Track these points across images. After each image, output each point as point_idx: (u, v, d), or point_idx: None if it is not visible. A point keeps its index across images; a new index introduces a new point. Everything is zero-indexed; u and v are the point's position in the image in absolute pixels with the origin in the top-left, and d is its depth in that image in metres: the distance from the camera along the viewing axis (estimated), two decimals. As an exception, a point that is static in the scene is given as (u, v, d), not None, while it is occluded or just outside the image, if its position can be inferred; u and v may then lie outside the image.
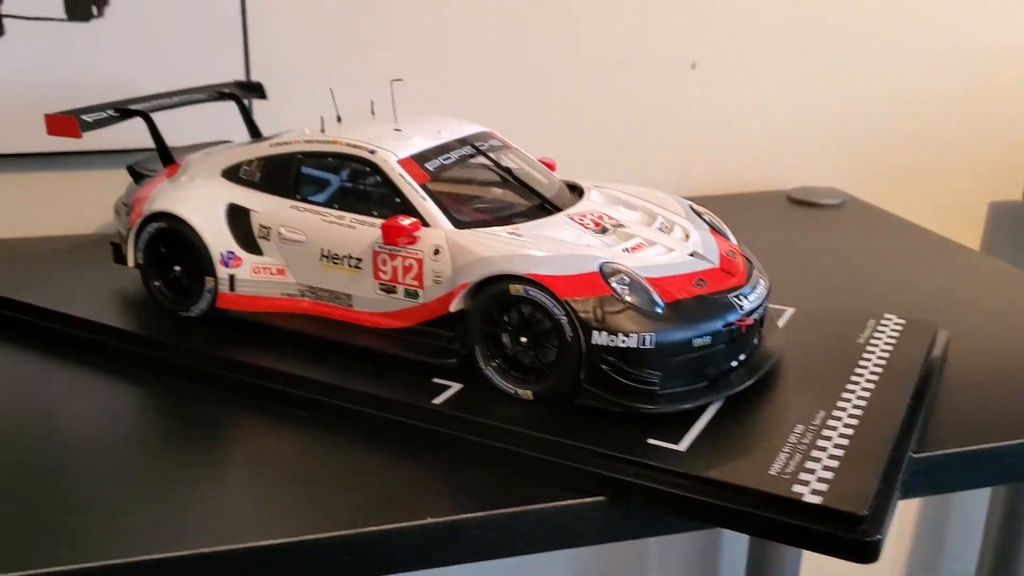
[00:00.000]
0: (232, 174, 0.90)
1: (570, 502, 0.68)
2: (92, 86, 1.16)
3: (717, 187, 1.49)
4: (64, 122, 0.92)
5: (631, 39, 1.41)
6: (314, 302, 0.86)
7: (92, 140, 1.20)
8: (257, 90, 1.14)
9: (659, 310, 0.72)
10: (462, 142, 0.88)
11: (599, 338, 0.71)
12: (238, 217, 0.87)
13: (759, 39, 1.46)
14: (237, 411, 0.80)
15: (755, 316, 0.78)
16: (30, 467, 0.72)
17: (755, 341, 0.82)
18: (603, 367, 0.72)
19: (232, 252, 0.86)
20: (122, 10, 1.20)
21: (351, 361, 0.82)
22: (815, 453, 0.68)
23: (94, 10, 1.20)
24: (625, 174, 1.42)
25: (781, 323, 0.91)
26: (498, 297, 0.75)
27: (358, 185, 0.85)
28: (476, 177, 0.87)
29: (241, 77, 1.25)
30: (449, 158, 0.85)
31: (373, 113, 0.94)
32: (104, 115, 0.96)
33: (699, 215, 0.88)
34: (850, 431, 0.71)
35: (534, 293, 0.73)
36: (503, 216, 0.82)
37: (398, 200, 0.81)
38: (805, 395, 0.77)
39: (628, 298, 0.72)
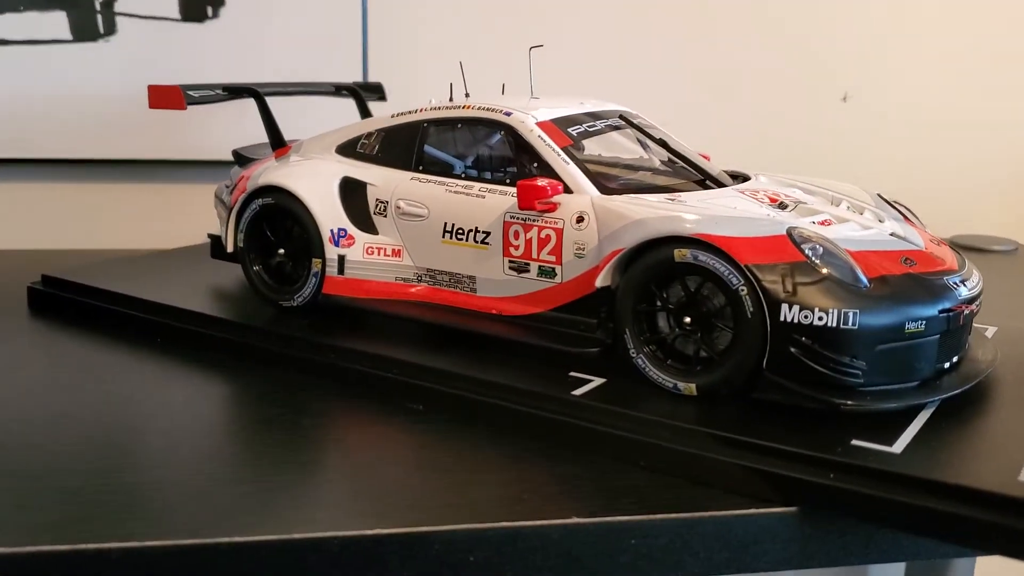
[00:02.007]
0: (348, 149, 0.80)
1: (754, 511, 0.53)
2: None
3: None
4: (169, 93, 0.84)
5: (776, 65, 1.29)
6: (432, 288, 0.75)
7: (204, 149, 1.15)
8: (377, 91, 1.05)
9: (863, 285, 0.59)
10: (612, 114, 0.77)
11: (789, 313, 0.57)
12: (353, 192, 0.77)
13: (919, 70, 1.33)
14: (346, 402, 0.68)
15: (975, 306, 0.63)
16: (126, 448, 0.62)
17: (967, 345, 0.67)
18: (793, 350, 0.58)
19: (344, 230, 0.76)
20: (237, 11, 1.14)
21: (473, 351, 0.69)
22: (1079, 458, 0.53)
23: (209, 11, 1.14)
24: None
25: (989, 336, 0.75)
26: (659, 266, 0.62)
27: (491, 152, 0.74)
28: (627, 148, 0.76)
29: (359, 79, 1.17)
30: (595, 126, 0.74)
31: (503, 93, 0.84)
32: (212, 93, 0.88)
33: (891, 204, 0.74)
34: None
35: (705, 259, 0.60)
36: (658, 186, 0.70)
37: (536, 165, 0.70)
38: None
39: (825, 269, 0.58)
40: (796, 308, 0.57)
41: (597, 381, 0.64)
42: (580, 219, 0.66)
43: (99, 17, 1.12)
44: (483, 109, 0.74)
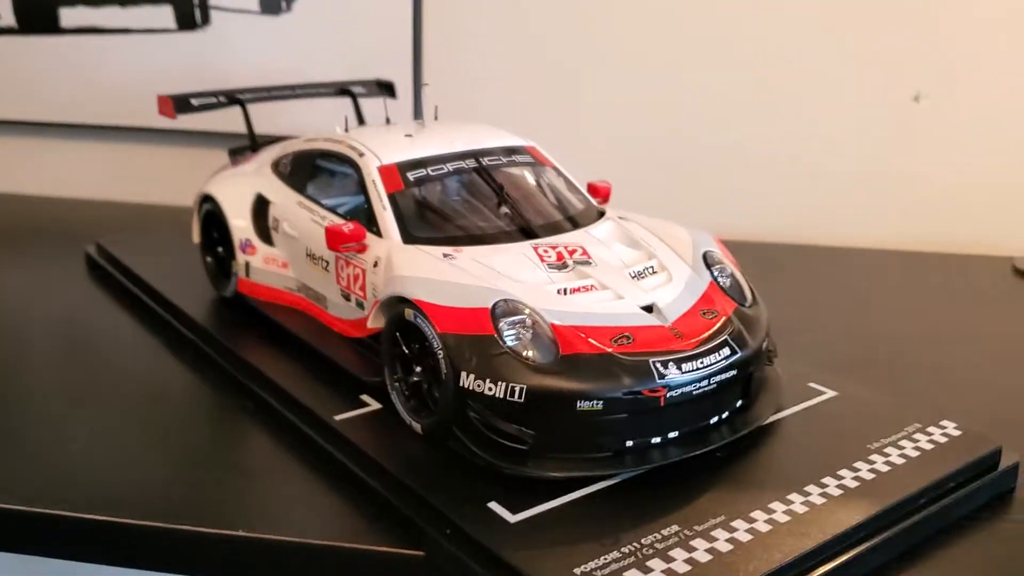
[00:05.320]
0: (275, 166, 0.93)
1: (382, 548, 0.62)
2: (270, 76, 1.26)
3: (930, 243, 1.27)
4: (165, 103, 1.01)
5: (839, 64, 1.24)
6: (307, 299, 0.87)
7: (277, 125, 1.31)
8: (388, 88, 1.16)
9: (547, 361, 0.64)
10: (468, 155, 0.83)
11: (467, 381, 0.65)
12: (262, 207, 0.90)
13: (1004, 67, 1.22)
14: (203, 390, 0.84)
15: (685, 391, 0.66)
16: None
17: (708, 419, 0.69)
18: (471, 414, 0.65)
19: (249, 240, 0.90)
20: (308, 5, 1.29)
21: (312, 364, 0.81)
22: (673, 552, 0.57)
23: (283, 5, 1.29)
24: (833, 226, 1.25)
25: (799, 407, 0.76)
26: (396, 320, 0.71)
27: (347, 188, 0.84)
28: (468, 193, 0.82)
29: (409, 74, 1.28)
30: (441, 169, 0.81)
31: (420, 119, 0.91)
32: (214, 100, 1.04)
33: (709, 266, 0.76)
34: (748, 537, 0.58)
35: (420, 321, 0.68)
36: (461, 237, 0.77)
37: (367, 207, 0.79)
38: (729, 493, 0.64)
39: (511, 342, 0.65)
40: (472, 377, 0.64)
41: (374, 407, 0.75)
42: (376, 264, 0.76)
43: (197, 10, 1.31)
44: (350, 147, 0.84)
